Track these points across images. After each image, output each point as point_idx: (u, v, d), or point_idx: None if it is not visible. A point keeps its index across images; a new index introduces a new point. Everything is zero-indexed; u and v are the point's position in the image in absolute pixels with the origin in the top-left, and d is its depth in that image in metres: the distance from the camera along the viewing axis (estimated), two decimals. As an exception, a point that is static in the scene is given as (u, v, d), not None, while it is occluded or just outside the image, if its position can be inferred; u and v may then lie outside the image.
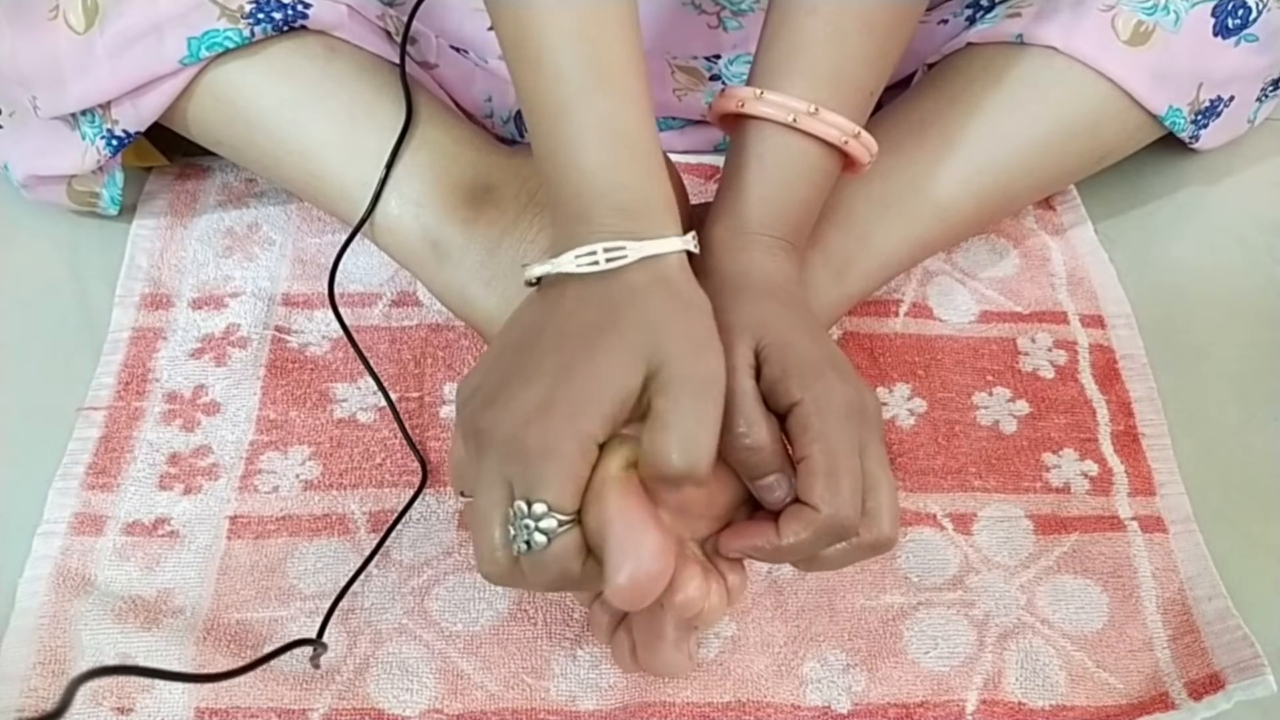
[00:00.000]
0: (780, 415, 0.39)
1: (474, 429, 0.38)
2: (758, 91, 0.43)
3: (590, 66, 0.39)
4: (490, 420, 0.37)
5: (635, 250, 0.38)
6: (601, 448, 0.36)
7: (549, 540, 0.35)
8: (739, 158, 0.44)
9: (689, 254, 0.40)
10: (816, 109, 0.43)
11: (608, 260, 0.38)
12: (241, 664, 0.40)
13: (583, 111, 0.39)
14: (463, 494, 0.40)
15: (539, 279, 0.40)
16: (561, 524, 0.35)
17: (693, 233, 0.40)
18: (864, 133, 0.44)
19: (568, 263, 0.38)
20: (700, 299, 0.39)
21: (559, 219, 0.40)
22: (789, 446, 0.39)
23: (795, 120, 0.43)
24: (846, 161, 0.45)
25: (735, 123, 0.45)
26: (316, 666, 0.44)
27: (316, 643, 0.43)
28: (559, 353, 0.37)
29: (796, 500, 0.38)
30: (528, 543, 0.35)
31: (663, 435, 0.35)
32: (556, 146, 0.40)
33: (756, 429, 0.38)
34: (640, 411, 0.37)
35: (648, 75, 0.41)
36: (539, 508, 0.35)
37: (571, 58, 0.39)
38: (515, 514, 0.36)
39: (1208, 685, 0.44)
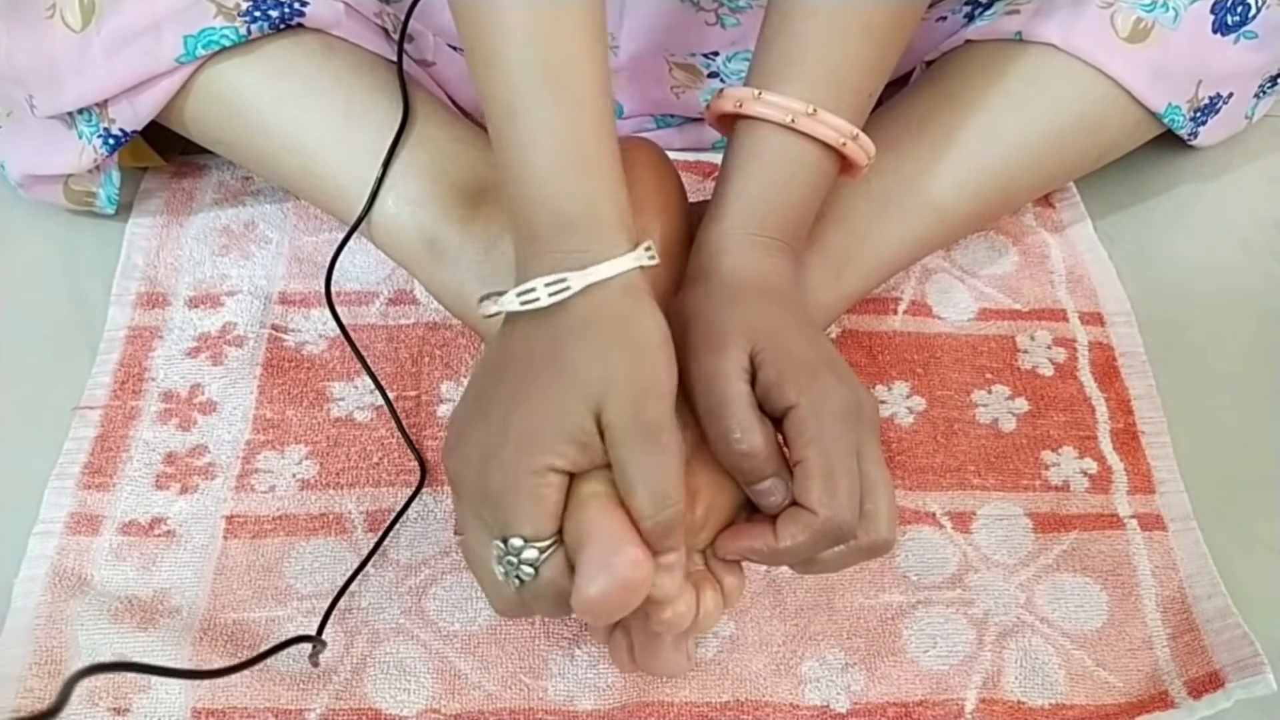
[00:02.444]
0: (776, 418, 0.39)
1: (448, 473, 0.39)
2: (756, 92, 0.43)
3: (541, 67, 0.39)
4: (456, 463, 0.39)
5: (578, 280, 0.37)
6: (575, 476, 0.37)
7: (536, 571, 0.36)
8: (736, 158, 0.44)
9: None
10: (815, 110, 0.43)
11: (550, 295, 0.37)
12: (238, 662, 0.40)
13: (530, 114, 0.39)
14: (457, 533, 0.41)
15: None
16: (542, 551, 0.36)
17: (646, 244, 0.39)
18: (862, 135, 0.44)
19: (511, 302, 0.38)
20: (650, 324, 0.38)
21: (514, 229, 0.40)
22: (786, 449, 0.39)
23: (793, 121, 0.43)
24: (844, 163, 0.45)
25: (732, 123, 0.45)
26: (316, 664, 0.43)
27: (316, 640, 0.43)
28: (508, 392, 0.38)
29: (794, 503, 0.38)
30: (519, 577, 0.36)
31: (629, 496, 0.36)
32: (505, 149, 0.39)
33: (750, 434, 0.38)
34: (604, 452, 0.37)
35: (608, 78, 0.40)
36: (515, 542, 0.36)
37: (522, 57, 0.39)
38: (498, 553, 0.37)
39: (1207, 684, 0.44)
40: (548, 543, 0.36)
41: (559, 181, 0.38)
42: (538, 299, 0.37)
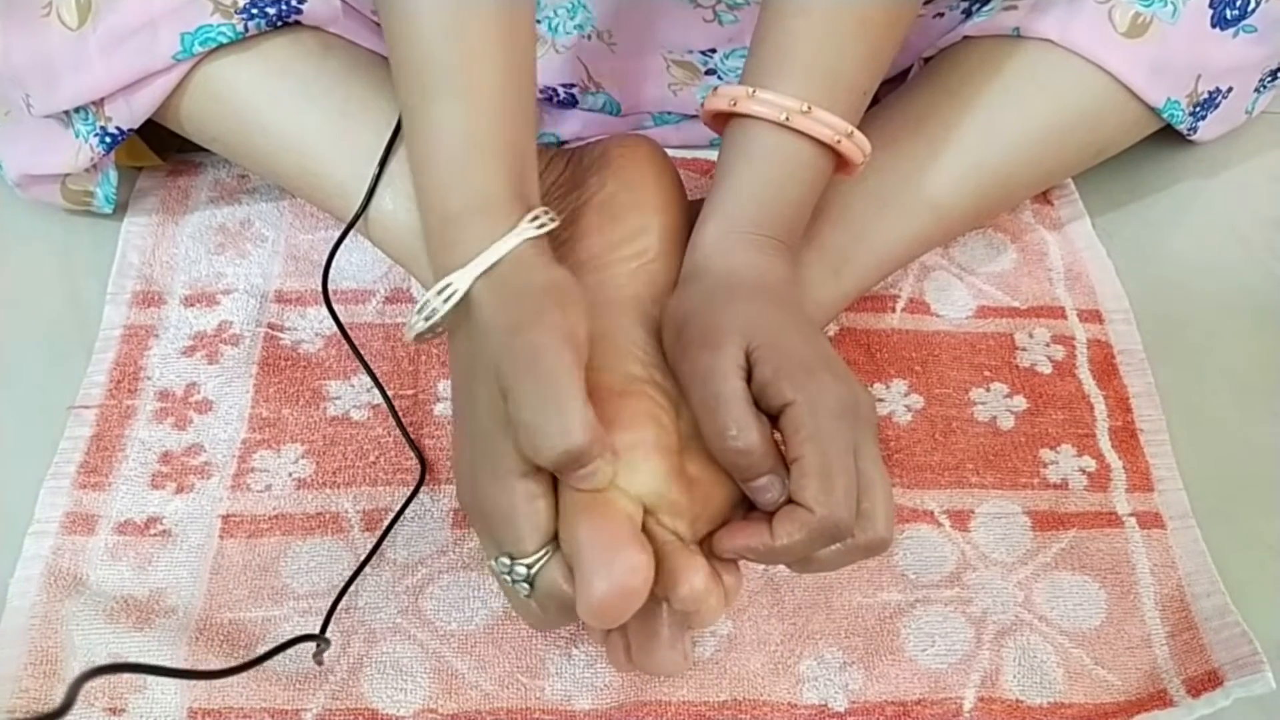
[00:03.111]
0: (773, 416, 0.39)
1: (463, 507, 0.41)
2: (750, 90, 0.43)
3: (439, 67, 0.40)
4: (458, 490, 0.40)
5: (463, 279, 0.38)
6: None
7: (531, 586, 0.37)
8: (731, 156, 0.44)
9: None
10: (809, 108, 0.42)
11: (444, 301, 0.38)
12: (236, 663, 0.40)
13: (423, 111, 0.40)
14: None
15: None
16: (530, 566, 0.36)
17: (531, 215, 0.39)
18: (857, 132, 0.44)
19: (418, 324, 0.39)
20: (543, 281, 0.38)
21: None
22: (782, 447, 0.39)
23: (788, 119, 0.43)
24: (839, 161, 0.45)
25: (727, 121, 0.45)
26: (320, 663, 0.43)
27: (320, 639, 0.43)
28: (462, 412, 0.39)
29: (791, 501, 0.38)
30: (522, 594, 0.37)
31: (521, 435, 0.35)
32: (409, 150, 0.41)
33: (746, 431, 0.38)
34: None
35: (518, 72, 0.41)
36: (504, 560, 0.37)
37: (422, 58, 0.40)
38: (500, 571, 0.37)
39: (1206, 682, 0.44)
40: (534, 557, 0.36)
41: (447, 177, 0.39)
42: (435, 310, 0.38)
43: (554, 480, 0.37)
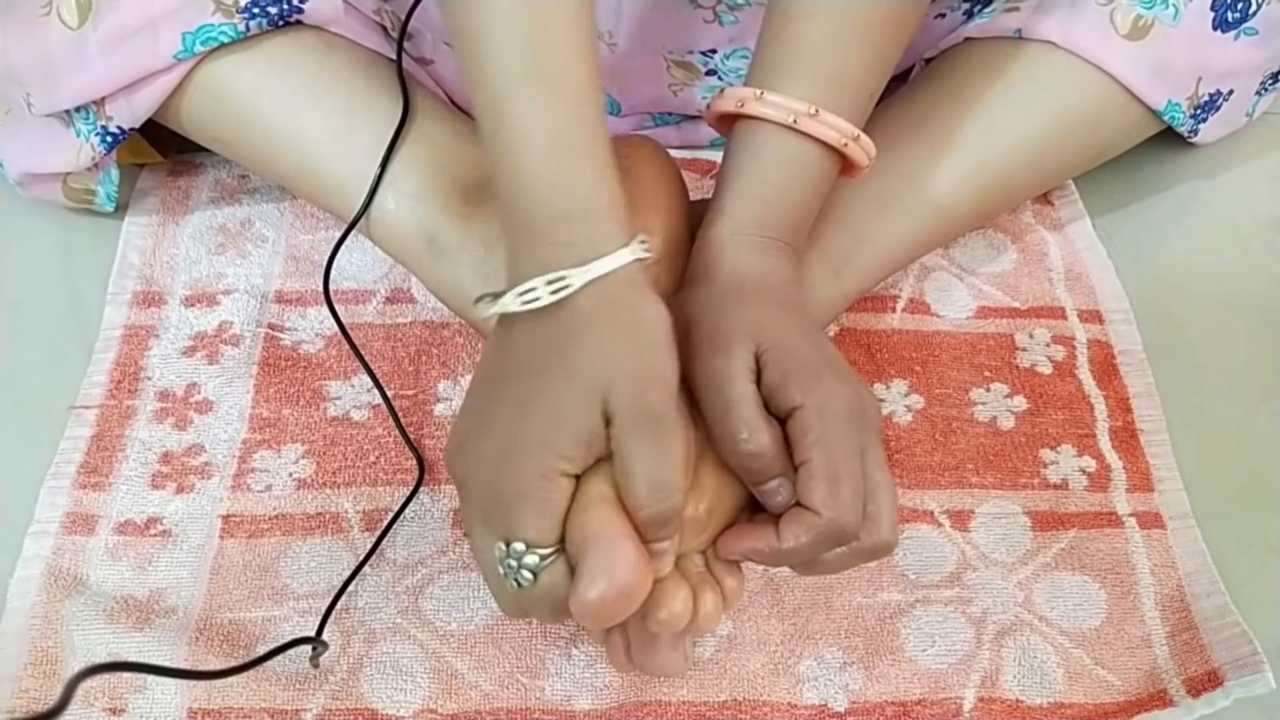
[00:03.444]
0: (781, 419, 0.39)
1: (456, 477, 0.39)
2: (757, 92, 0.43)
3: (529, 63, 0.38)
4: (463, 468, 0.38)
5: (579, 277, 0.37)
6: (581, 476, 0.37)
7: (535, 577, 0.36)
8: (737, 158, 0.44)
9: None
10: (817, 110, 0.42)
11: (551, 294, 0.37)
12: (236, 664, 0.40)
13: (520, 109, 0.38)
14: (467, 535, 0.41)
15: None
16: (544, 558, 0.36)
17: (640, 238, 0.39)
18: (863, 135, 0.44)
19: (511, 303, 0.38)
20: (653, 315, 0.38)
21: (506, 225, 0.39)
22: (789, 450, 0.39)
23: (795, 121, 0.42)
24: (845, 164, 0.45)
25: (733, 123, 0.45)
26: (316, 666, 0.43)
27: (317, 641, 0.43)
28: (514, 394, 0.38)
29: (797, 504, 0.38)
30: (518, 581, 0.36)
31: (628, 484, 0.36)
32: (497, 145, 0.39)
33: (759, 435, 0.38)
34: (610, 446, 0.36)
35: (597, 72, 0.40)
36: (518, 546, 0.36)
37: (509, 53, 0.38)
38: (499, 555, 0.37)
39: (1206, 682, 0.44)
40: (549, 550, 0.36)
41: (551, 175, 0.38)
42: (538, 298, 0.37)
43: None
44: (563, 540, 0.36)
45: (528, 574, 0.36)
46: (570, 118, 0.38)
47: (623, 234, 0.38)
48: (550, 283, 0.37)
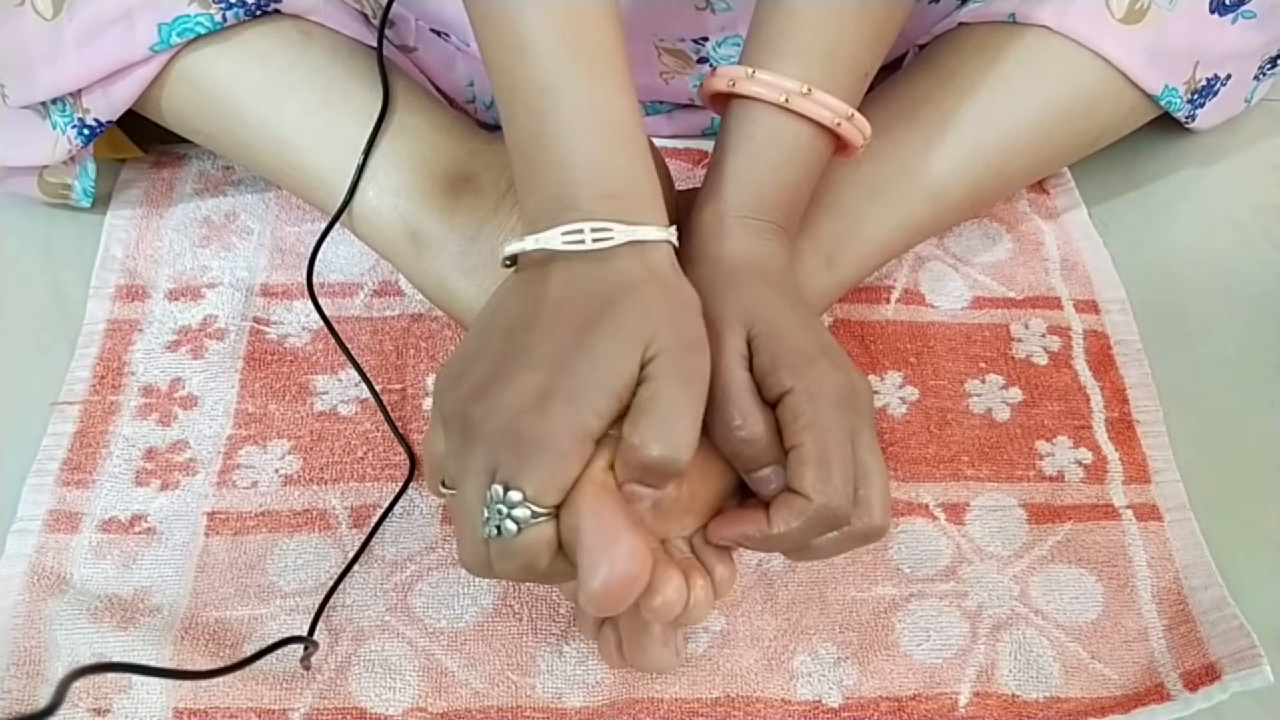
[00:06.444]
0: (771, 404, 0.38)
1: (462, 419, 0.36)
2: (749, 70, 0.42)
3: (573, 50, 0.38)
4: (483, 410, 0.36)
5: (622, 233, 0.37)
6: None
7: (519, 529, 0.34)
8: (729, 139, 0.44)
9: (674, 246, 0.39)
10: (809, 89, 0.42)
11: (594, 240, 0.37)
12: (223, 663, 0.39)
13: (569, 96, 0.38)
14: (443, 485, 0.39)
15: (514, 258, 0.39)
16: (535, 516, 0.34)
17: (674, 227, 0.40)
18: (857, 115, 0.43)
19: (554, 239, 0.37)
20: (691, 298, 0.38)
21: (536, 204, 0.39)
22: (780, 435, 0.38)
23: (787, 100, 0.42)
24: (839, 144, 0.44)
25: (725, 103, 0.44)
26: (307, 667, 0.43)
27: (308, 641, 0.42)
28: (554, 340, 0.36)
29: (788, 489, 0.37)
30: (498, 528, 0.35)
31: (645, 422, 0.35)
32: (540, 131, 0.39)
33: (752, 420, 0.37)
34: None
35: (630, 60, 0.40)
36: (514, 495, 0.34)
37: (553, 41, 0.39)
38: (490, 498, 0.35)
39: (1203, 676, 0.44)
40: (545, 510, 0.35)
41: (605, 160, 0.38)
42: (583, 241, 0.37)
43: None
44: (557, 508, 0.35)
45: (512, 525, 0.34)
46: (616, 106, 0.39)
47: (663, 218, 0.39)
48: (595, 229, 0.37)
